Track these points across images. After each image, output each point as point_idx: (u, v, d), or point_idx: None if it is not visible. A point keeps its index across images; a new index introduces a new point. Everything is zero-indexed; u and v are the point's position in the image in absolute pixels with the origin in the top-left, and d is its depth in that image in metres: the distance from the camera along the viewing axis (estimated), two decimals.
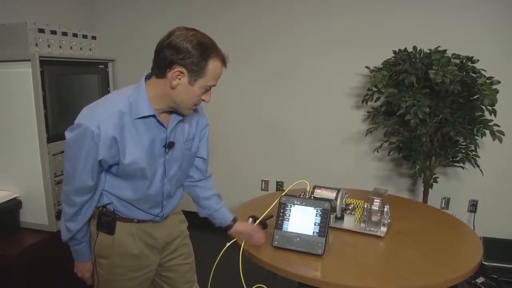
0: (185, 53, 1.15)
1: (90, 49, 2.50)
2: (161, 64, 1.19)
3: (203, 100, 1.28)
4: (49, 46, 2.19)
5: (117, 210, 1.35)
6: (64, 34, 2.29)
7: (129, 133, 1.24)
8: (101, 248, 1.37)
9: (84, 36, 2.45)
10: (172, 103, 1.25)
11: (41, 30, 2.13)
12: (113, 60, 2.59)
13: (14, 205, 2.16)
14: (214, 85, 1.26)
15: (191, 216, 1.63)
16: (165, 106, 1.27)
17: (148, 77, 1.27)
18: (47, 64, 2.07)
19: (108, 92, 2.56)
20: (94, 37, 2.53)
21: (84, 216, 1.33)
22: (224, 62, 1.24)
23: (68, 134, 1.24)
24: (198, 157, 1.51)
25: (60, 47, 2.27)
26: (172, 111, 1.31)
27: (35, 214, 2.17)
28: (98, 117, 1.20)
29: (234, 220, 1.55)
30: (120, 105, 1.22)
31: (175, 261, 1.53)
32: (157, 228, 1.43)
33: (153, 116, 1.26)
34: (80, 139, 1.20)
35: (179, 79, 1.19)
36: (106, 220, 1.35)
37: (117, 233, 1.35)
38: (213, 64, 1.20)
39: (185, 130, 1.39)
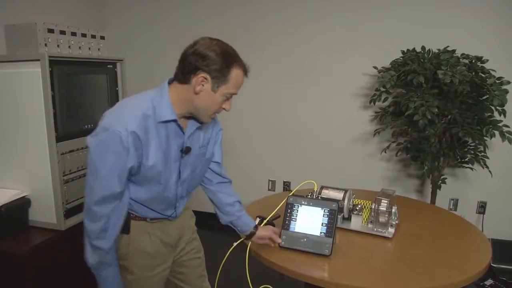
0: (209, 60, 1.19)
1: (98, 49, 2.51)
2: (186, 70, 1.21)
3: (224, 109, 1.30)
4: (58, 46, 2.20)
5: (130, 209, 1.35)
6: (73, 34, 2.31)
7: (152, 135, 1.24)
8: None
9: (93, 36, 2.47)
10: (193, 109, 1.27)
11: (51, 30, 2.15)
12: (122, 60, 2.60)
13: (23, 203, 2.18)
14: (235, 93, 1.28)
15: (197, 215, 1.63)
16: (185, 111, 1.28)
17: (169, 83, 1.29)
18: (56, 64, 2.08)
19: (116, 92, 2.57)
20: (102, 37, 2.54)
21: (113, 230, 1.25)
22: (245, 71, 1.28)
23: (91, 140, 1.19)
24: (212, 161, 1.54)
25: (69, 47, 2.29)
26: (190, 116, 1.32)
27: (43, 213, 2.18)
28: (124, 119, 1.19)
29: (256, 227, 1.54)
30: (144, 107, 1.23)
31: (187, 256, 1.54)
32: (171, 224, 1.44)
33: (175, 121, 1.27)
34: (106, 142, 1.17)
35: (203, 85, 1.21)
36: None
37: (133, 231, 1.36)
38: (235, 72, 1.23)
39: (200, 135, 1.41)
